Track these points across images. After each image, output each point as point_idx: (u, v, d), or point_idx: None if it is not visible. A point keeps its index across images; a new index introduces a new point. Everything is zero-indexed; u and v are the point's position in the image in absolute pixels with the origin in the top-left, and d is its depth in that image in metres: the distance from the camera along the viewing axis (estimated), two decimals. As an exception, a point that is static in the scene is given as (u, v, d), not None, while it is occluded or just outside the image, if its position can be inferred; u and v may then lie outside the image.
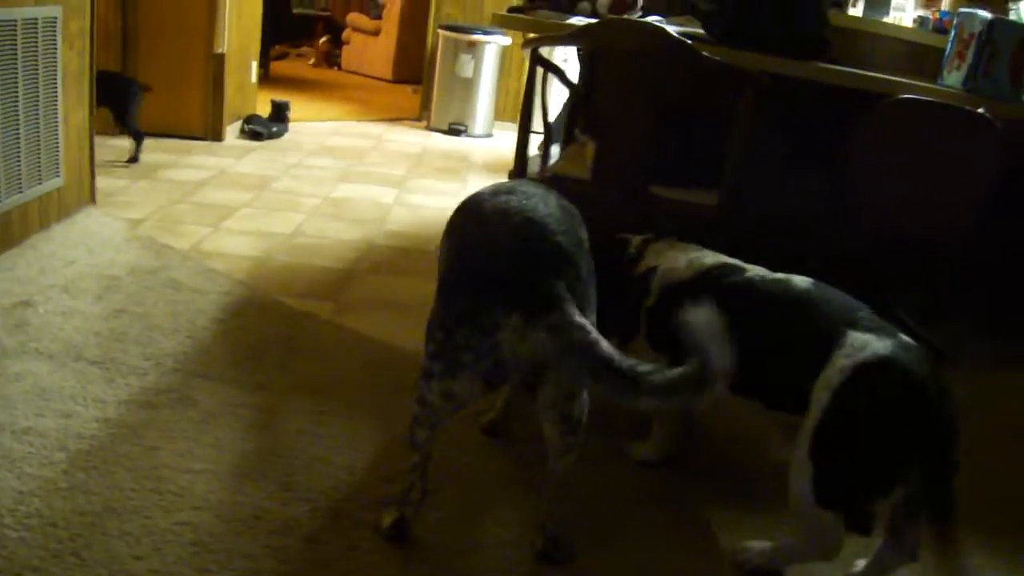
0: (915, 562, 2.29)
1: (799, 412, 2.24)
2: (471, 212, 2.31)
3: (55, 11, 4.10)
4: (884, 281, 3.72)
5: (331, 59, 12.73)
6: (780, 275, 2.53)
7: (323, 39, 12.78)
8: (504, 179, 3.23)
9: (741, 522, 2.68)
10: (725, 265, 2.64)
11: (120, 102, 5.50)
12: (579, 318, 1.97)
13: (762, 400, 2.46)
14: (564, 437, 2.23)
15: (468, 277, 2.12)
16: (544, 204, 2.21)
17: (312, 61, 12.65)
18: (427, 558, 2.34)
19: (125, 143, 5.92)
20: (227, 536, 2.30)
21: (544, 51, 4.24)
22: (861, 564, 2.39)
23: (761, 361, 2.32)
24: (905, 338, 2.23)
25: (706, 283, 2.59)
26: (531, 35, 4.43)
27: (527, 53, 4.19)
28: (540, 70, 4.24)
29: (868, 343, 2.17)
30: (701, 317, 1.87)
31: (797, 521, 2.31)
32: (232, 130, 7.07)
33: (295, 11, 12.86)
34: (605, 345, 1.93)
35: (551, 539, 2.37)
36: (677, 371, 1.86)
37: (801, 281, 2.46)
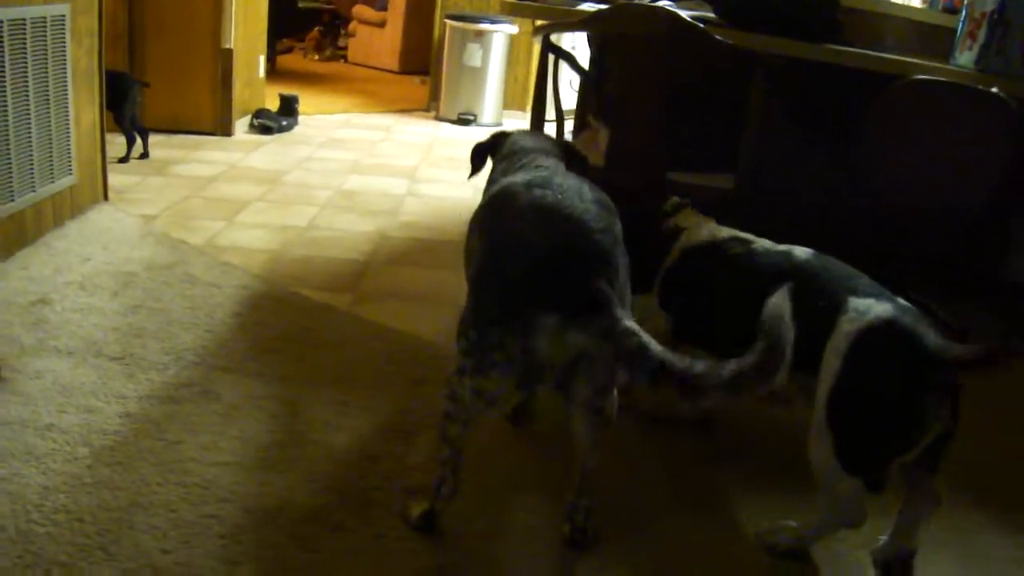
0: (939, 505, 2.34)
1: (803, 377, 2.31)
2: (504, 207, 2.24)
3: (63, 9, 4.09)
4: (899, 260, 3.71)
5: (322, 48, 12.66)
6: (783, 246, 2.61)
7: (315, 29, 12.73)
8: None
9: (765, 506, 2.67)
10: (736, 237, 2.74)
11: (117, 100, 5.45)
12: (628, 322, 1.94)
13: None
14: (595, 432, 2.25)
15: (502, 277, 2.07)
16: (580, 199, 2.15)
17: (307, 55, 12.59)
18: (454, 545, 2.34)
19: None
20: (254, 527, 2.30)
21: (554, 38, 4.23)
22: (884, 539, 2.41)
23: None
24: (902, 301, 2.27)
25: (716, 251, 2.72)
26: (541, 22, 4.40)
27: (538, 40, 4.17)
28: (552, 57, 4.23)
29: (870, 307, 2.22)
30: (778, 303, 1.86)
31: (821, 491, 2.32)
32: (241, 125, 7.07)
33: (300, 4, 12.81)
34: (657, 348, 1.90)
35: (579, 528, 2.37)
36: (734, 365, 1.84)
37: (802, 251, 2.54)
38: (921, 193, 3.74)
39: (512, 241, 2.11)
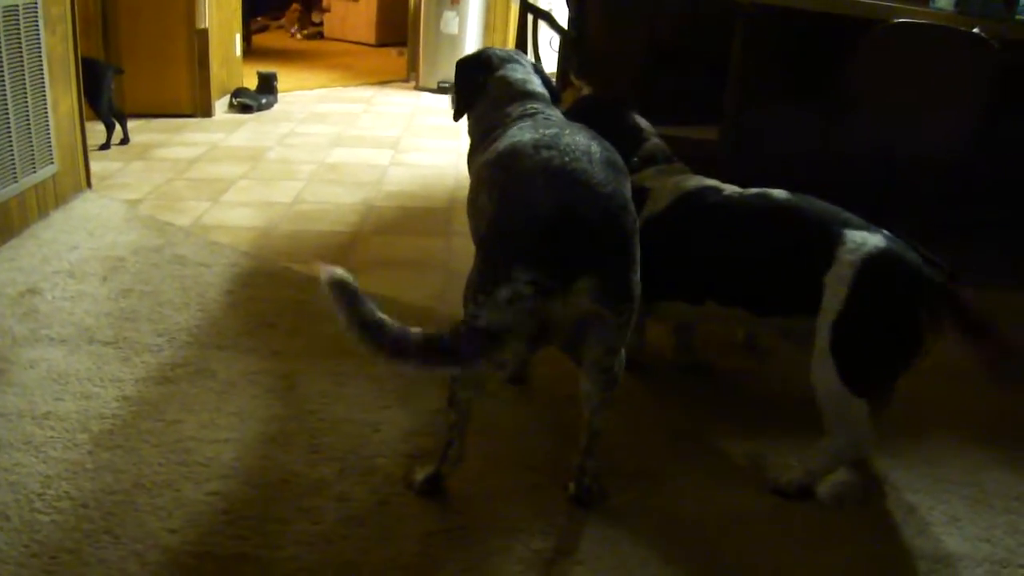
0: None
1: (793, 313, 2.44)
2: (512, 167, 2.19)
3: (34, -4, 4.05)
4: (885, 203, 3.71)
5: (305, 23, 12.48)
6: (756, 189, 2.63)
7: (293, 6, 12.53)
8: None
9: (767, 450, 2.68)
10: (706, 186, 2.72)
11: (92, 88, 5.35)
12: (630, 287, 2.02)
13: (753, 308, 2.58)
14: (604, 392, 2.25)
15: (511, 240, 2.05)
16: (588, 159, 2.12)
17: (294, 30, 12.40)
18: (460, 508, 2.34)
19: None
20: (258, 502, 2.30)
21: (530, -3, 4.20)
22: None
23: (752, 269, 2.51)
24: (887, 232, 2.39)
25: (687, 206, 2.69)
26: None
27: (516, 1, 4.15)
28: (531, 18, 4.21)
29: (866, 239, 2.33)
30: None
31: (829, 420, 2.39)
32: (221, 105, 7.02)
33: (273, -18, 12.73)
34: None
35: (585, 487, 2.37)
36: None
37: (779, 193, 2.57)
38: (906, 136, 3.74)
39: (521, 205, 2.08)
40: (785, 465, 2.53)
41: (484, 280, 2.07)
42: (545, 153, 2.13)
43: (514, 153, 2.22)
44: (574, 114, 2.76)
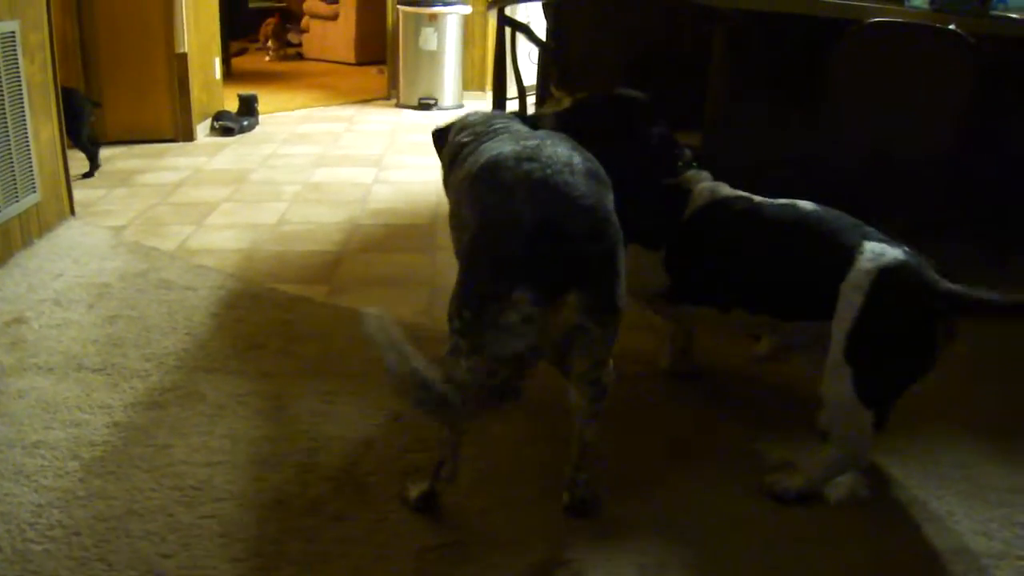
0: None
1: (815, 317, 2.41)
2: (493, 181, 2.17)
3: (13, 26, 4.04)
4: (870, 206, 3.72)
5: (281, 39, 12.27)
6: (785, 200, 2.63)
7: (268, 21, 12.21)
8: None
9: (763, 456, 2.68)
10: (739, 195, 2.74)
11: (69, 119, 5.27)
12: (615, 300, 2.02)
13: (779, 314, 2.59)
14: (593, 404, 2.24)
15: (494, 256, 2.04)
16: (570, 172, 2.10)
17: (269, 49, 12.16)
18: (456, 523, 2.33)
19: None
20: (253, 524, 2.29)
21: (508, 11, 4.21)
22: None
23: (778, 275, 2.53)
24: (907, 247, 2.39)
25: (725, 209, 2.70)
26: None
27: (492, 15, 4.15)
28: (508, 31, 4.21)
29: (885, 250, 2.34)
30: None
31: (833, 430, 2.40)
32: (203, 128, 7.01)
33: (251, 4, 12.69)
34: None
35: (579, 498, 2.37)
36: None
37: (806, 203, 2.59)
38: (888, 136, 3.75)
39: (503, 218, 2.06)
40: (784, 471, 2.52)
41: (469, 297, 2.07)
42: (527, 166, 2.10)
43: (495, 166, 2.20)
44: (584, 112, 2.81)
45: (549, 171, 2.08)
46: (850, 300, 2.31)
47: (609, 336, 2.13)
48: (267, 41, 12.16)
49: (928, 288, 2.29)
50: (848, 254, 2.36)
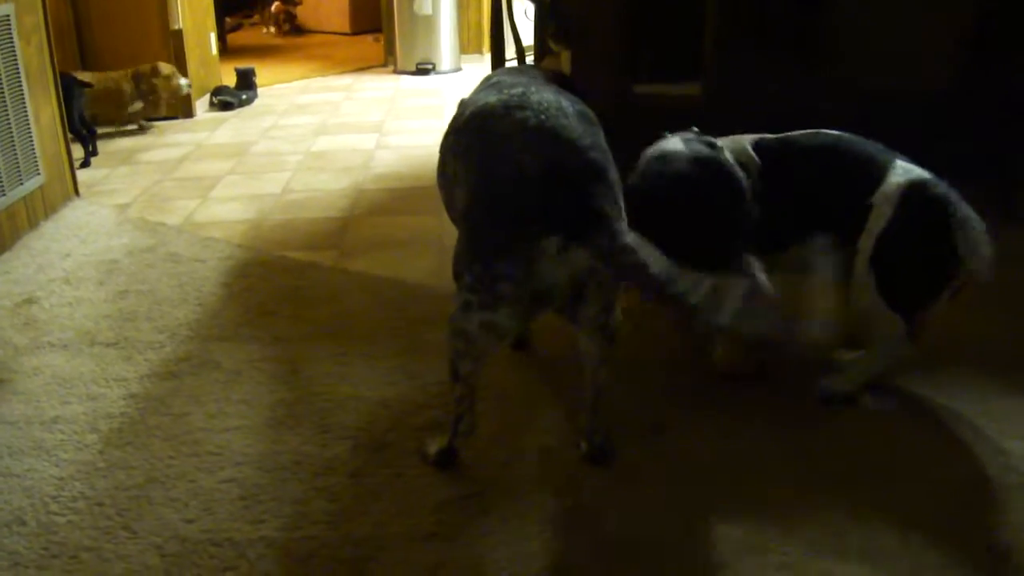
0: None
1: (849, 231, 2.52)
2: (484, 131, 2.16)
3: (7, 9, 4.02)
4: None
5: (293, 21, 12.24)
6: (806, 131, 2.74)
7: (276, 5, 12.25)
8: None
9: (778, 410, 2.67)
10: (763, 137, 2.77)
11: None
12: (627, 239, 1.93)
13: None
14: (603, 348, 2.23)
15: (499, 205, 2.02)
16: (563, 115, 2.09)
17: (271, 31, 12.16)
18: (474, 475, 2.34)
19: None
20: (273, 485, 2.30)
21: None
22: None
23: (814, 198, 2.61)
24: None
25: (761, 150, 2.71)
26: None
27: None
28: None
29: (912, 169, 2.50)
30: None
31: (867, 333, 2.58)
32: (202, 104, 7.00)
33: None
34: (656, 267, 1.89)
35: (596, 446, 2.37)
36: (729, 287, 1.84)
37: (827, 132, 2.69)
38: (888, 75, 3.72)
39: (503, 167, 2.04)
40: (832, 379, 2.63)
41: (477, 250, 2.06)
42: (519, 114, 2.08)
43: (484, 116, 2.19)
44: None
45: (543, 116, 2.07)
46: (881, 211, 2.46)
47: (616, 280, 2.11)
48: (270, 25, 12.21)
49: (951, 201, 2.42)
50: (880, 171, 2.51)
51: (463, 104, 2.46)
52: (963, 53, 3.74)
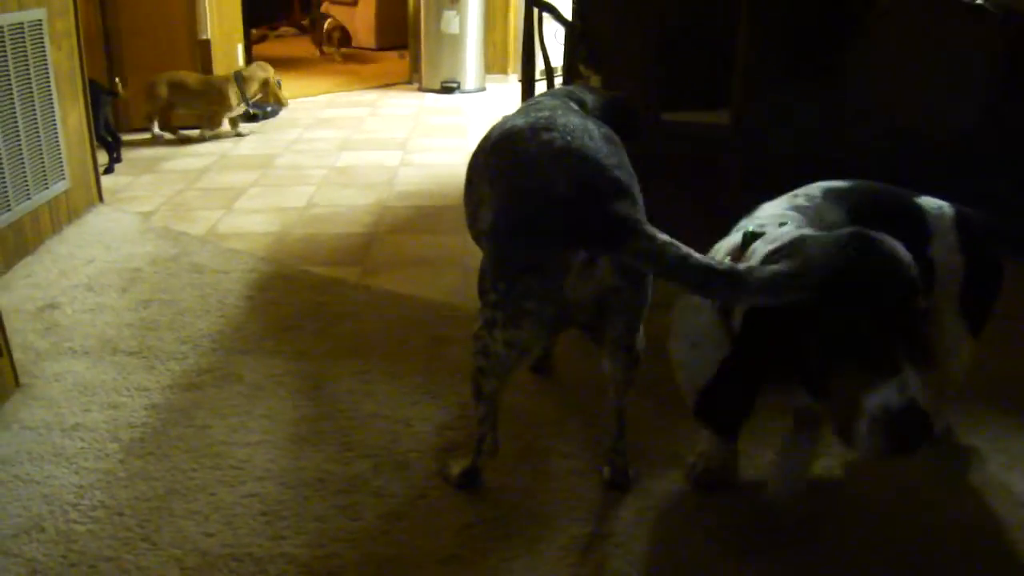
0: None
1: None
2: (512, 153, 2.18)
3: (40, 14, 4.04)
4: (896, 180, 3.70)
5: (348, 40, 11.52)
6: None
7: (328, 22, 11.39)
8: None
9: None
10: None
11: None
12: (661, 235, 1.91)
13: None
14: (627, 370, 2.23)
15: (526, 224, 2.04)
16: (590, 138, 2.12)
17: (326, 50, 11.34)
18: (497, 498, 2.32)
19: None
20: (295, 502, 2.28)
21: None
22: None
23: None
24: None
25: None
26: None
27: (520, -7, 4.14)
28: (535, 11, 4.20)
29: (936, 203, 2.27)
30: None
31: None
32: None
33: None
34: (696, 255, 1.85)
35: (620, 470, 2.36)
36: (778, 267, 1.78)
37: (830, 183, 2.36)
38: (916, 111, 3.72)
39: (531, 187, 2.06)
40: None
41: (503, 268, 2.06)
42: (546, 135, 2.12)
43: (512, 138, 2.22)
44: None
45: (570, 138, 2.10)
46: (950, 260, 2.21)
47: (641, 297, 2.12)
48: (325, 43, 11.47)
49: (994, 228, 2.28)
50: (917, 218, 2.23)
51: (492, 127, 2.48)
52: (991, 87, 3.73)
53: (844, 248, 1.72)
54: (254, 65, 6.60)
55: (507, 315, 2.05)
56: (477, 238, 2.45)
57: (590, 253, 1.98)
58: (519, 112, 2.45)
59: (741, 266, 1.82)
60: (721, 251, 2.11)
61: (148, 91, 6.17)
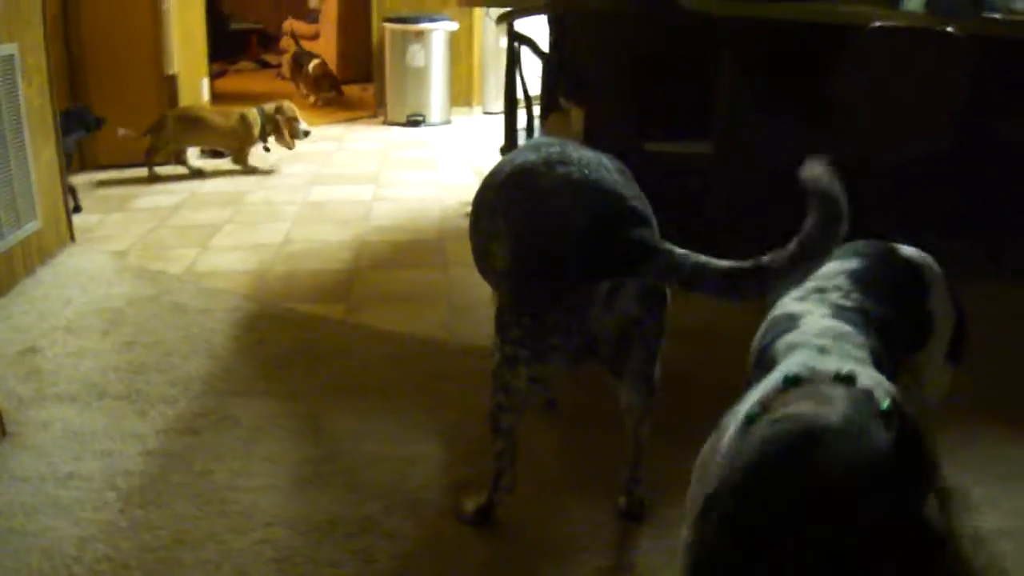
0: None
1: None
2: (528, 187, 2.17)
3: (12, 49, 3.97)
4: (879, 211, 3.73)
5: (336, 84, 10.19)
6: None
7: (313, 63, 9.96)
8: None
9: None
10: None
11: None
12: (680, 249, 1.92)
13: None
14: (646, 400, 2.24)
15: (548, 257, 2.03)
16: (606, 171, 2.14)
17: (309, 98, 9.95)
18: (513, 536, 2.29)
19: (84, 179, 5.87)
20: (307, 547, 2.23)
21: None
22: None
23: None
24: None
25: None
26: (496, 11, 4.38)
27: (502, 28, 4.15)
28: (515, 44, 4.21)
29: (918, 253, 2.20)
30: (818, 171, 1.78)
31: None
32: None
33: (233, 27, 12.59)
34: (716, 260, 1.86)
35: (636, 500, 2.35)
36: (794, 241, 1.74)
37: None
38: (887, 137, 3.76)
39: (550, 220, 2.06)
40: None
41: (526, 303, 2.05)
42: (561, 169, 2.13)
43: (525, 172, 2.21)
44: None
45: (587, 171, 2.11)
46: (942, 311, 2.15)
47: (661, 326, 2.14)
48: (307, 91, 10.07)
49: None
50: (907, 271, 2.16)
51: (500, 163, 2.47)
52: (957, 117, 3.78)
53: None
54: (282, 102, 6.56)
55: (532, 351, 2.04)
56: (485, 274, 2.45)
57: (614, 280, 2.00)
58: (526, 148, 2.44)
59: (764, 258, 1.79)
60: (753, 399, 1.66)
61: (157, 126, 6.10)
